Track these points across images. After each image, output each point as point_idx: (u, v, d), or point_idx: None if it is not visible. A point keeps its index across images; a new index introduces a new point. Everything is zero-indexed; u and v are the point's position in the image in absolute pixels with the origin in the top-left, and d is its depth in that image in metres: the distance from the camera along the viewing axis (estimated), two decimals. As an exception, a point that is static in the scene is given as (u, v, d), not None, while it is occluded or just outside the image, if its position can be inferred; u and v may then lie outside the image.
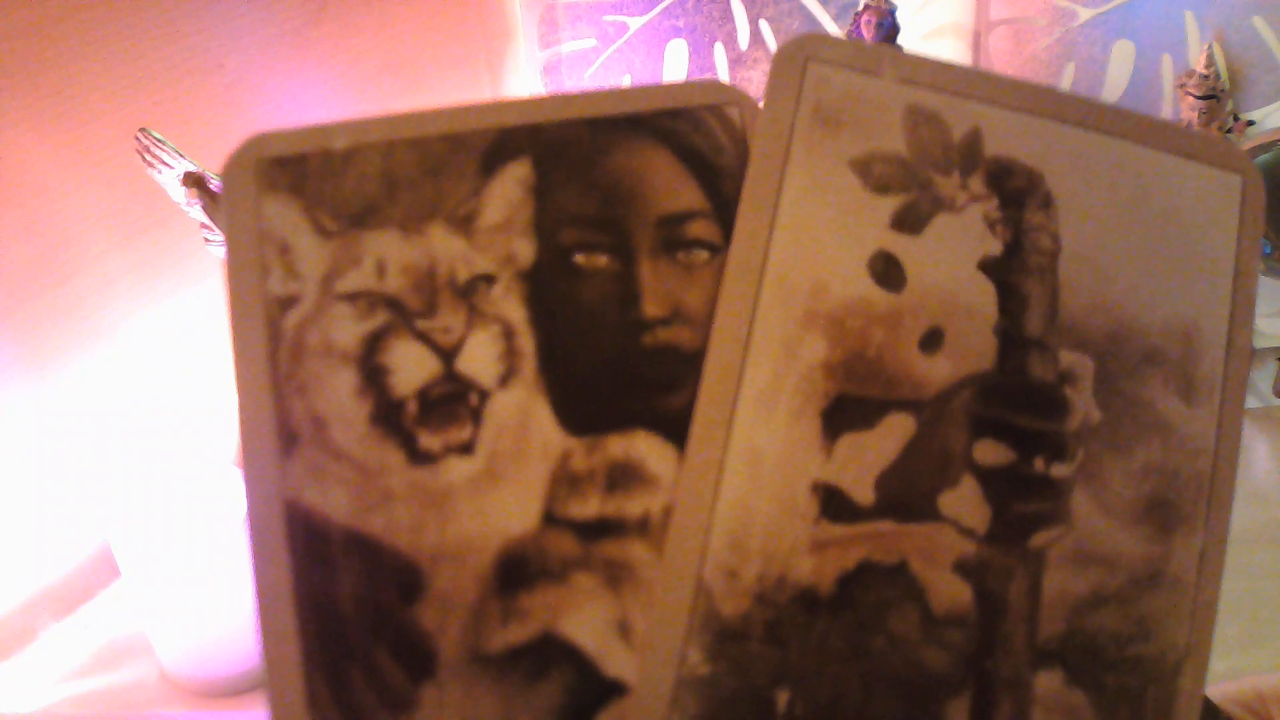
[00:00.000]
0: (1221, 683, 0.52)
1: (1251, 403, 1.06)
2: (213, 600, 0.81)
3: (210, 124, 0.99)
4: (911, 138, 0.38)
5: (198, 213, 0.86)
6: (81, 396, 0.92)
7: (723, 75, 1.25)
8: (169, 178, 0.84)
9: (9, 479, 0.88)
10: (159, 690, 0.86)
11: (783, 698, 0.36)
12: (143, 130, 0.83)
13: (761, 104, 0.39)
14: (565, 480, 0.37)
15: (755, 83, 1.23)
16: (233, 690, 0.84)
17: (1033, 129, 0.39)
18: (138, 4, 0.92)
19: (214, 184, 0.84)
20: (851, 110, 0.39)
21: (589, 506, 0.37)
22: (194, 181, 0.84)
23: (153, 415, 0.97)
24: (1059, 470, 0.37)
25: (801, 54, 0.39)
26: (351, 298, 0.38)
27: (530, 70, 1.27)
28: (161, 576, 0.81)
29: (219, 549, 0.79)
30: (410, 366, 0.37)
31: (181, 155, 0.83)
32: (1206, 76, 1.07)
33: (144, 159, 0.83)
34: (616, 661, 0.37)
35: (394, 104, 1.20)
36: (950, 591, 0.37)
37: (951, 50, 1.21)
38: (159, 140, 0.83)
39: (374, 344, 0.37)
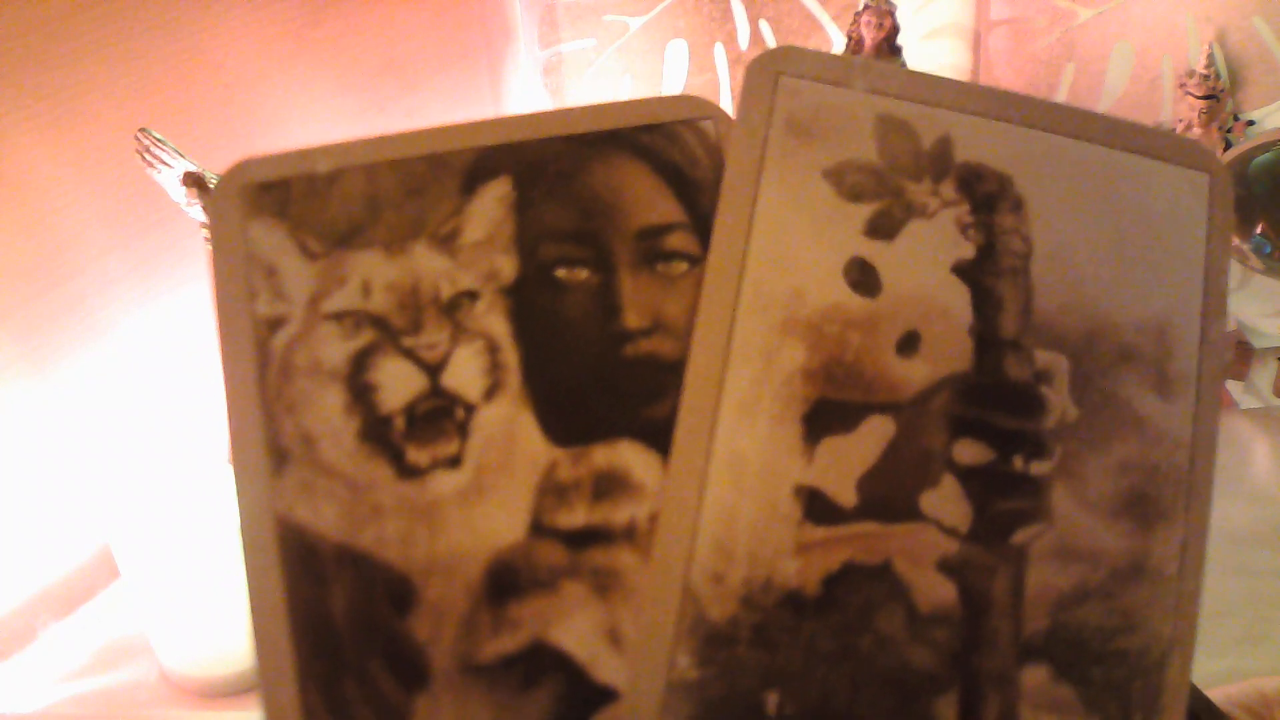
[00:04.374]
0: (1224, 685, 0.52)
1: (1251, 403, 1.06)
2: (213, 600, 0.80)
3: (210, 124, 1.00)
4: (883, 146, 0.39)
5: (198, 212, 0.85)
6: (81, 396, 0.92)
7: (723, 75, 1.25)
8: (169, 178, 0.84)
9: (9, 479, 0.89)
10: (159, 690, 0.85)
11: (772, 700, 0.37)
12: (143, 130, 0.83)
13: (734, 117, 0.40)
14: (552, 491, 0.38)
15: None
16: (233, 690, 0.84)
17: (1001, 134, 0.39)
18: (138, 4, 0.92)
19: (214, 184, 0.84)
20: (823, 121, 0.39)
21: (576, 516, 0.38)
22: (194, 181, 0.84)
23: (153, 415, 0.97)
24: (1038, 468, 0.38)
25: (773, 67, 0.40)
26: (338, 317, 0.38)
27: (530, 70, 1.27)
28: (161, 576, 0.81)
29: (219, 549, 0.79)
30: (397, 383, 0.38)
31: (181, 155, 0.83)
32: (1207, 76, 1.07)
33: (144, 159, 0.84)
34: (607, 668, 0.37)
35: (394, 104, 1.20)
36: (934, 590, 0.37)
37: (951, 50, 1.21)
38: (159, 140, 0.83)
39: (361, 362, 0.38)
